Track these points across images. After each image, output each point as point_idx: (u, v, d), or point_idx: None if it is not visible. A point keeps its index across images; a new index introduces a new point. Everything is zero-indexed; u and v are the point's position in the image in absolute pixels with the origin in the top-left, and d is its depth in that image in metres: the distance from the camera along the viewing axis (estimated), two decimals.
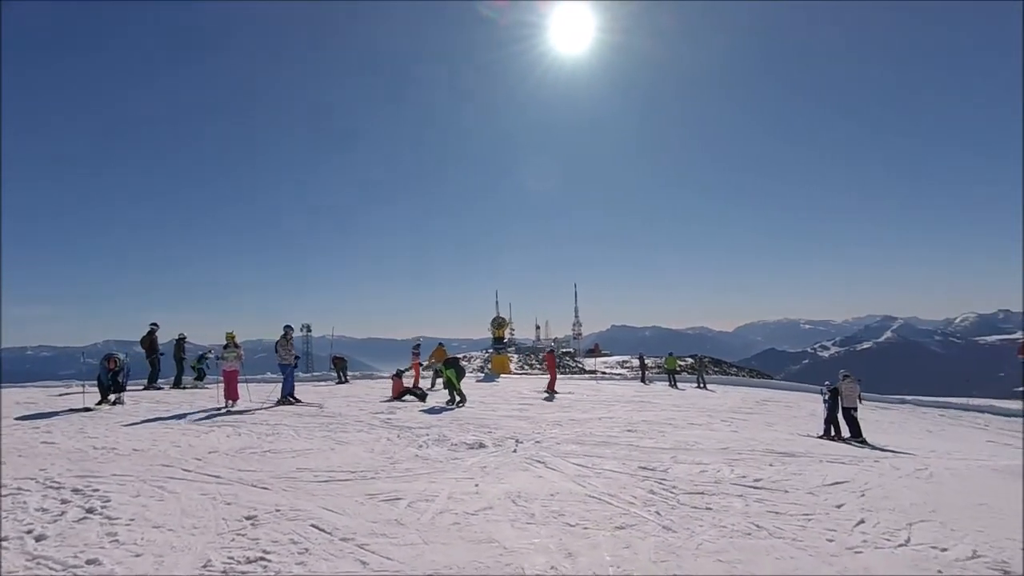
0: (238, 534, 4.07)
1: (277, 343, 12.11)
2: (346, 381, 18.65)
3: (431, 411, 11.30)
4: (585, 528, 4.49)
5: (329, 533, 4.14)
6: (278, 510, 4.60)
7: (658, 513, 4.94)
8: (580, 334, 79.11)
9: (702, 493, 5.65)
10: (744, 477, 6.39)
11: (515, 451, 7.53)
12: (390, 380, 14.64)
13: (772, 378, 49.69)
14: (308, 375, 22.35)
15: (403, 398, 13.29)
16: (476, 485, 5.65)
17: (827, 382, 11.87)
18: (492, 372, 26.80)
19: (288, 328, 12.27)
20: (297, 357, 12.87)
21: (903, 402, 26.08)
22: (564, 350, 70.95)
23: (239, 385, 11.49)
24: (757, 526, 4.63)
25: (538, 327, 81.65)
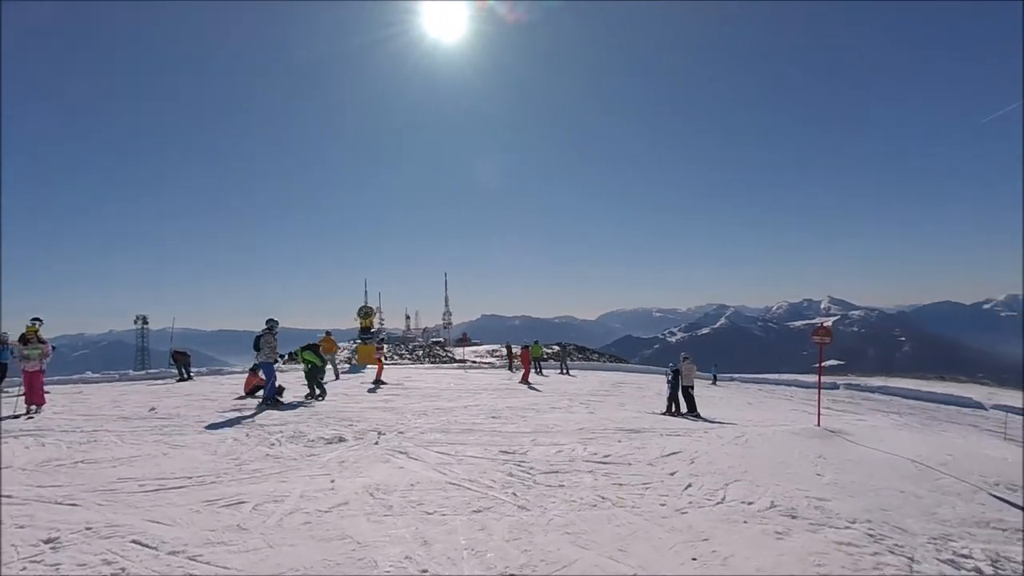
0: (32, 561, 3.47)
1: (260, 339, 10.75)
2: (189, 378, 16.81)
3: (288, 407, 10.60)
4: (443, 515, 4.52)
5: (154, 548, 3.70)
6: (89, 528, 4.00)
7: (514, 494, 5.13)
8: (450, 324, 79.21)
9: (556, 472, 5.98)
10: (595, 454, 6.88)
11: (377, 443, 7.35)
12: (245, 375, 13.49)
13: (628, 362, 54.18)
14: (142, 373, 19.79)
15: (257, 394, 12.31)
16: (332, 481, 5.42)
17: (671, 364, 13.16)
18: (358, 363, 25.89)
19: (273, 323, 11.06)
20: (281, 356, 11.14)
21: (731, 379, 29.86)
22: (434, 339, 70.66)
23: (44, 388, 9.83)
24: (602, 498, 5.01)
25: (408, 317, 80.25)
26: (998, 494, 5.83)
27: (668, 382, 12.70)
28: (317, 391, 11.99)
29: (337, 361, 18.87)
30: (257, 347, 10.79)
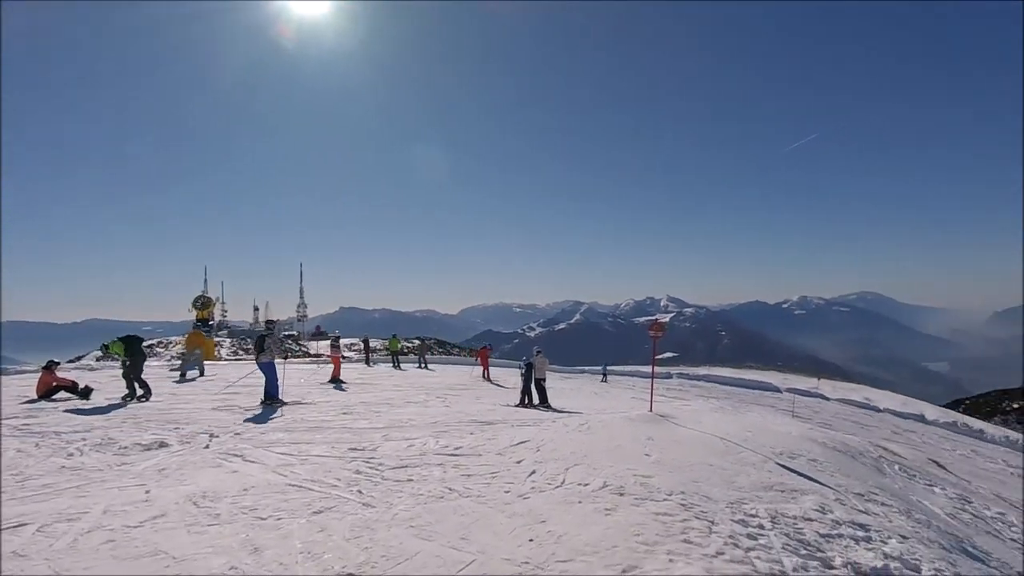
0: None
1: (264, 339, 10.68)
2: None
3: (96, 410, 9.18)
4: (279, 519, 4.24)
5: None
6: None
7: (360, 492, 4.98)
8: (306, 316, 74.54)
9: (406, 466, 5.92)
10: (447, 447, 6.93)
11: (207, 447, 6.67)
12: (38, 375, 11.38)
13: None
14: None
15: (54, 396, 10.48)
16: (147, 492, 4.81)
17: (524, 357, 13.71)
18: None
19: (272, 323, 12.12)
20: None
21: (582, 372, 31.95)
22: (287, 333, 66.00)
23: None
24: (450, 489, 5.07)
25: (256, 308, 73.98)
26: (782, 462, 6.97)
27: (522, 375, 13.22)
28: (139, 390, 10.55)
29: (198, 357, 17.02)
30: (262, 347, 10.64)
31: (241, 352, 49.30)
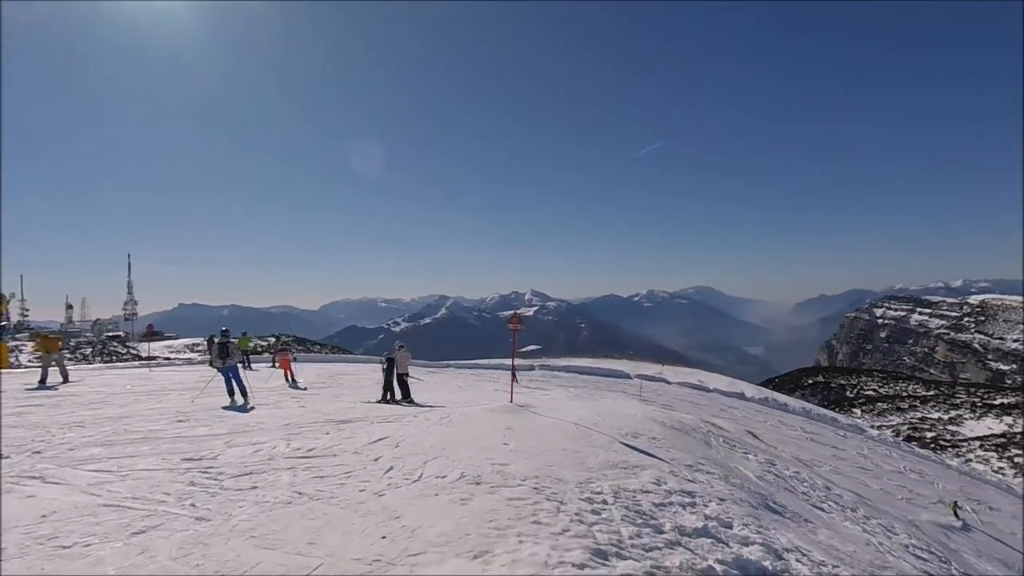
0: None
1: (228, 345, 11.58)
2: None
3: None
4: (87, 546, 3.68)
5: None
6: None
7: (193, 505, 4.50)
8: (135, 314, 65.46)
9: (250, 473, 5.47)
10: (299, 449, 6.52)
11: None
12: None
13: (352, 353, 53.18)
14: None
15: None
16: None
17: (386, 352, 13.38)
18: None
19: (227, 331, 12.82)
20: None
21: (447, 366, 32.02)
22: (111, 333, 57.46)
23: None
24: (299, 493, 4.78)
25: (70, 307, 63.31)
26: (626, 442, 7.61)
27: (383, 370, 12.90)
28: None
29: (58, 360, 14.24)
30: (227, 352, 11.43)
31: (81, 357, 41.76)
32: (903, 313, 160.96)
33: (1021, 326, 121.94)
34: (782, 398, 37.10)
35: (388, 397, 12.66)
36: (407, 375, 13.10)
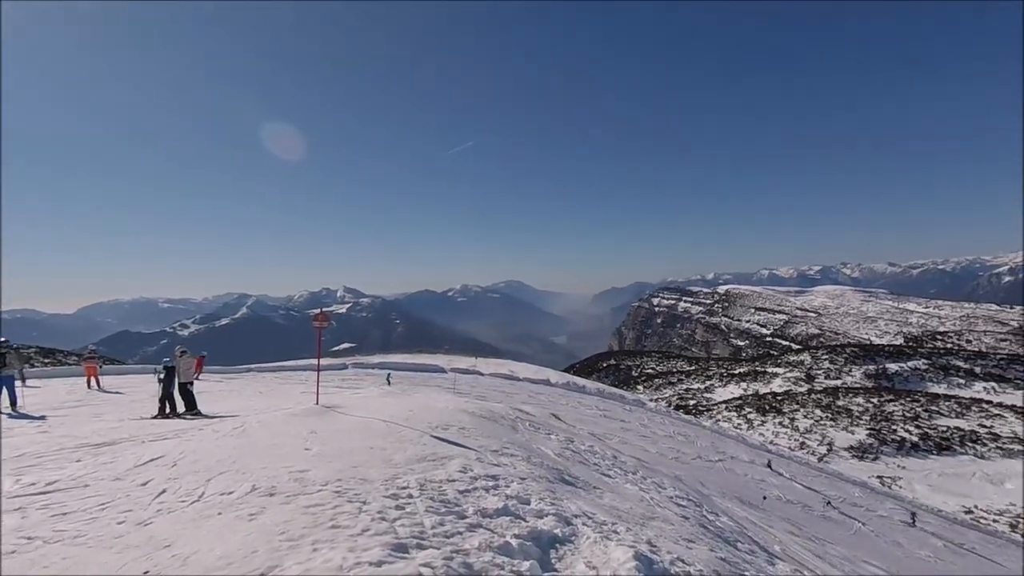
0: None
1: (6, 355, 11.10)
2: None
3: None
4: None
5: None
6: None
7: None
8: None
9: None
10: (33, 485, 5.27)
11: None
12: None
13: (124, 363, 44.95)
14: None
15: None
16: None
17: (165, 359, 11.59)
18: None
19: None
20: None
21: (248, 371, 29.01)
22: None
23: None
24: (28, 539, 3.84)
25: None
26: (436, 434, 7.69)
27: (159, 381, 11.13)
28: None
29: None
30: (3, 363, 10.93)
31: None
32: (673, 301, 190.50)
33: (752, 309, 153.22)
34: (581, 381, 41.26)
35: (168, 411, 10.96)
36: (191, 384, 11.49)
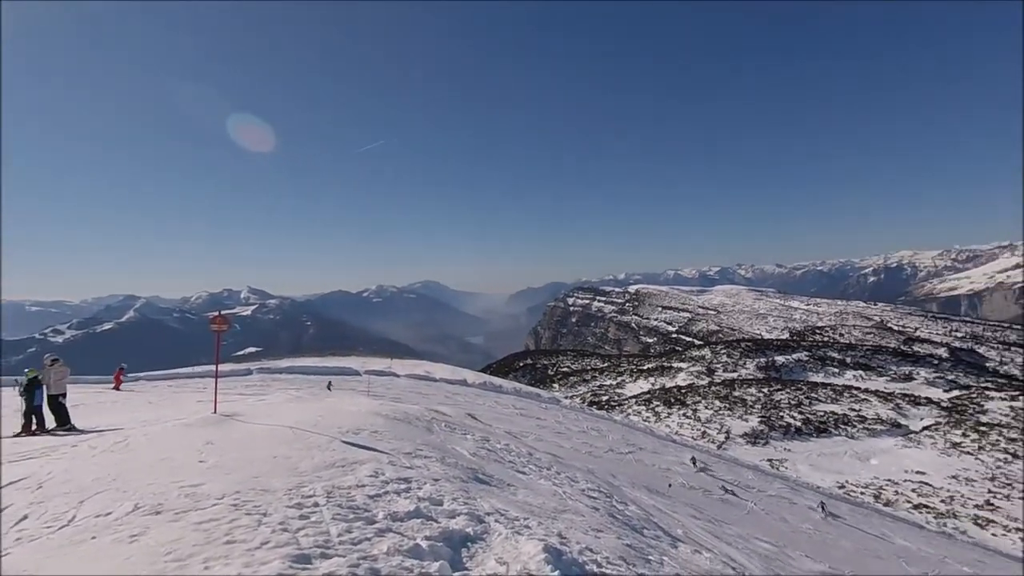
0: None
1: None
2: None
3: None
4: None
5: None
6: None
7: None
8: None
9: None
10: None
11: None
12: None
13: None
14: None
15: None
16: None
17: (26, 370, 10.30)
18: None
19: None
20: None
21: (137, 379, 26.52)
22: None
23: None
24: None
25: None
26: (347, 439, 7.42)
27: (21, 394, 9.86)
28: None
29: None
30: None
31: None
32: (587, 301, 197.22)
33: (660, 308, 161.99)
34: (498, 381, 41.56)
35: (34, 427, 9.73)
36: (63, 396, 10.28)
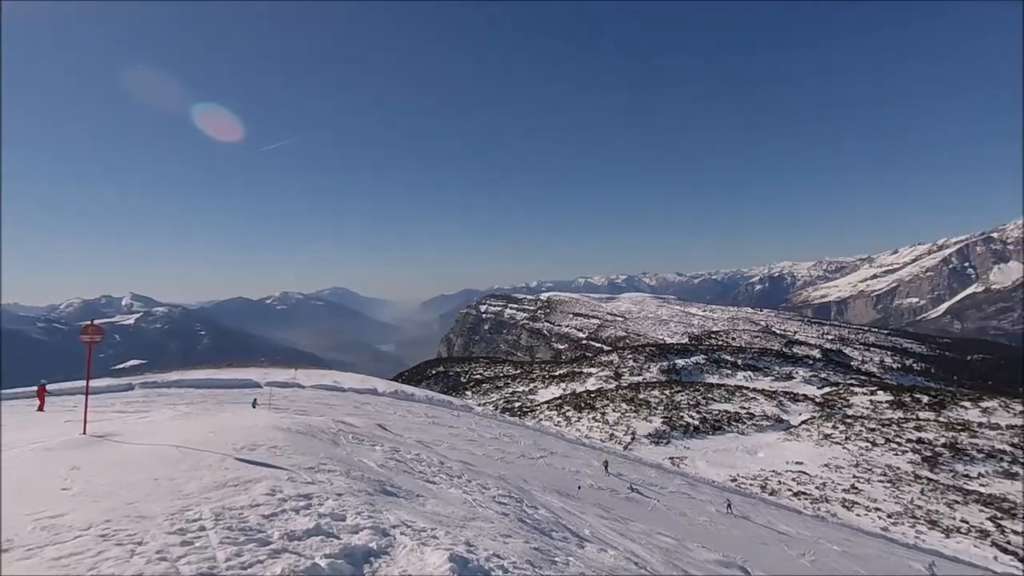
0: None
1: None
2: None
3: None
4: None
5: None
6: None
7: None
8: None
9: None
10: None
11: None
12: None
13: None
14: None
15: None
16: None
17: None
18: None
19: None
20: None
21: None
22: None
23: None
24: None
25: None
26: (242, 456, 6.91)
27: None
28: None
29: None
30: None
31: None
32: (499, 308, 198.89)
33: (571, 315, 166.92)
34: (410, 389, 40.72)
35: None
36: None
